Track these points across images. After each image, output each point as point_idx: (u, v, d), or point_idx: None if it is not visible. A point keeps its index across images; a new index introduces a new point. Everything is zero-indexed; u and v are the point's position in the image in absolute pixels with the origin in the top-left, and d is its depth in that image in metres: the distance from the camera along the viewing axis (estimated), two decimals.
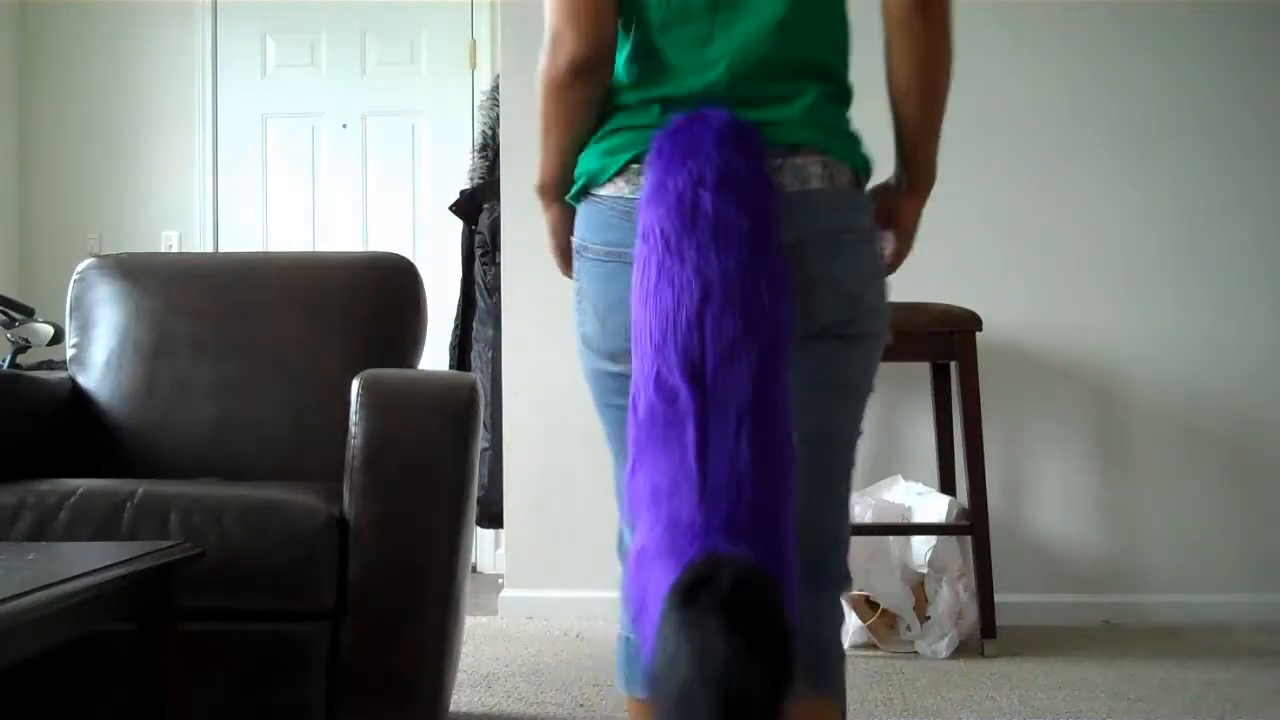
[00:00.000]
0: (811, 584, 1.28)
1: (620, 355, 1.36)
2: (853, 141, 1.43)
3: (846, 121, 1.44)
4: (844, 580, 1.46)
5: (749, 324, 1.22)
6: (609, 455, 1.55)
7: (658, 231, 1.26)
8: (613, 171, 1.37)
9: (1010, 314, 3.48)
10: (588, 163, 1.41)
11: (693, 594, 1.04)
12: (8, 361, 3.84)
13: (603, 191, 1.39)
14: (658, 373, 1.22)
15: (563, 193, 1.46)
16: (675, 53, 1.37)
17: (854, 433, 1.51)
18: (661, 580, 1.10)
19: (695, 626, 1.01)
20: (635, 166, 1.36)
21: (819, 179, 1.36)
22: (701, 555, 1.09)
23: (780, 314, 1.26)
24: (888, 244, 1.52)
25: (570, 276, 1.48)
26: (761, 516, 1.17)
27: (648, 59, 1.38)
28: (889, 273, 1.52)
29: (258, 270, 2.76)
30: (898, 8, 1.39)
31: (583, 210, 1.42)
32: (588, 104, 1.40)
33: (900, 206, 1.54)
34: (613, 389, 1.42)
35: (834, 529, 1.46)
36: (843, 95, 1.45)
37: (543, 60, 1.39)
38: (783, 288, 1.27)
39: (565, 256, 1.51)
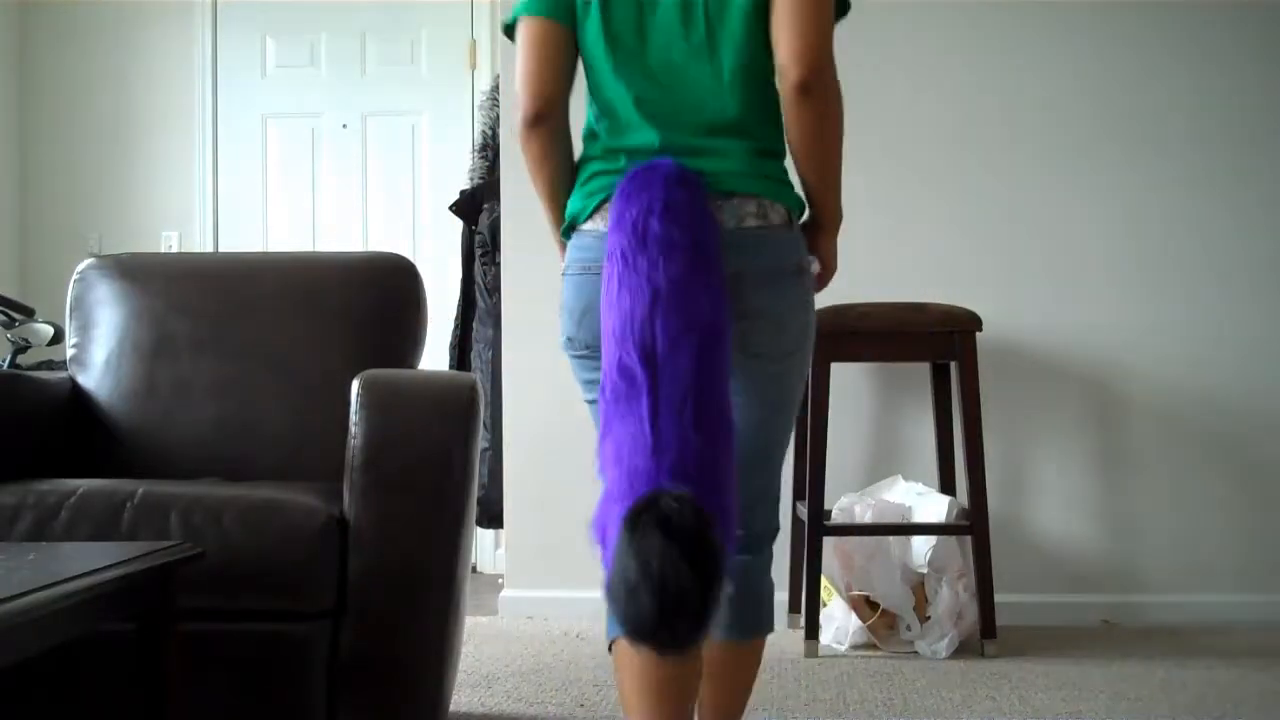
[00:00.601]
0: (748, 542, 1.71)
1: (594, 346, 1.69)
2: (784, 185, 1.75)
3: (778, 169, 1.76)
4: (774, 533, 1.82)
5: (689, 320, 1.55)
6: None
7: (618, 252, 1.59)
8: (591, 210, 1.73)
9: (1010, 314, 3.48)
10: (573, 205, 1.76)
11: (637, 518, 1.35)
12: (8, 361, 3.84)
13: (585, 226, 1.74)
14: (619, 358, 1.54)
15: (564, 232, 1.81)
16: (634, 115, 1.72)
17: (788, 429, 1.82)
18: (618, 516, 1.39)
19: (640, 542, 1.32)
20: (608, 205, 1.68)
21: (754, 217, 1.70)
22: (641, 498, 1.39)
23: (716, 313, 1.58)
24: (815, 266, 1.81)
25: None
26: (702, 465, 1.47)
27: (613, 118, 1.74)
28: (819, 289, 1.84)
29: (258, 270, 2.76)
30: (785, 92, 1.68)
31: (571, 242, 1.77)
32: (547, 147, 1.77)
33: (815, 241, 1.81)
34: (593, 369, 1.72)
35: (764, 503, 1.80)
36: (773, 150, 1.76)
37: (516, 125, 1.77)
38: (719, 291, 1.60)
39: None
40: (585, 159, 1.78)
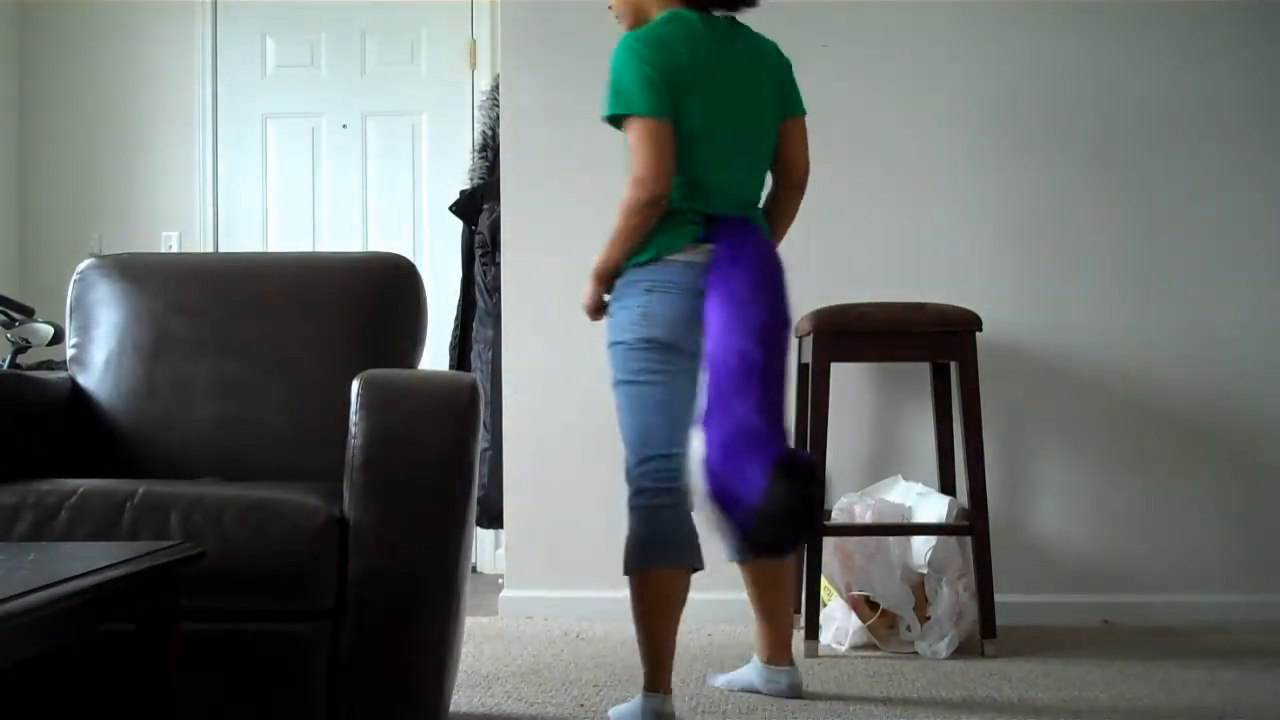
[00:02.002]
0: None
1: (671, 346, 2.38)
2: (766, 226, 2.60)
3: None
4: None
5: (784, 329, 2.36)
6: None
7: (746, 281, 2.33)
8: (680, 245, 2.39)
9: (1010, 314, 3.48)
10: (660, 240, 2.39)
11: (790, 474, 2.16)
12: (8, 361, 3.84)
13: (674, 257, 2.39)
14: (744, 353, 2.26)
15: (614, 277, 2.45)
16: (709, 186, 2.43)
17: None
18: (755, 462, 2.17)
19: (795, 489, 2.15)
20: (696, 243, 2.40)
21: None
22: (783, 453, 2.20)
23: (790, 319, 2.40)
24: None
25: (595, 319, 2.52)
26: (783, 426, 2.30)
27: (693, 189, 2.41)
28: None
29: (258, 270, 2.76)
30: (788, 185, 2.61)
31: (656, 268, 2.39)
32: (655, 217, 2.37)
33: None
34: (660, 363, 2.39)
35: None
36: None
37: (630, 193, 2.34)
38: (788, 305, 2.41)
39: (599, 310, 2.51)
40: (665, 213, 2.40)
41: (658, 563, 2.37)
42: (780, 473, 2.15)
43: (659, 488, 2.38)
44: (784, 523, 2.17)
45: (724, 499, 2.21)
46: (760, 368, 2.25)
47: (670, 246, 2.39)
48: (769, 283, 2.36)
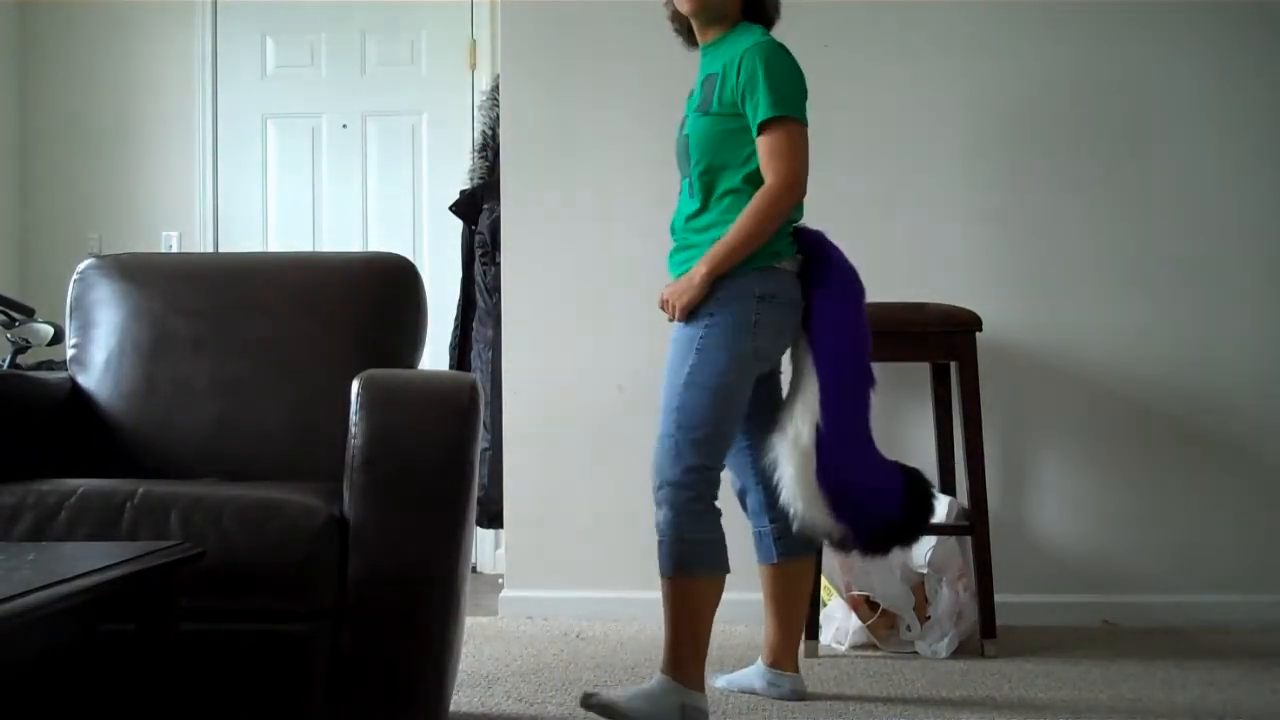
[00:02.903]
0: None
1: (769, 356, 2.52)
2: None
3: None
4: None
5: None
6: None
7: (860, 300, 2.53)
8: (786, 256, 2.49)
9: (1010, 314, 3.48)
10: (774, 248, 2.45)
11: (916, 482, 2.53)
12: (8, 361, 3.84)
13: (779, 265, 2.47)
14: (865, 363, 2.48)
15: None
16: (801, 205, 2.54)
17: None
18: (877, 465, 2.49)
19: (929, 499, 2.54)
20: (795, 254, 2.51)
21: None
22: (913, 470, 2.55)
23: None
24: None
25: (682, 319, 2.45)
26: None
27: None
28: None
29: (258, 270, 2.76)
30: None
31: (767, 275, 2.45)
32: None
33: None
34: (750, 373, 2.45)
35: None
36: None
37: (780, 196, 2.39)
38: None
39: (694, 311, 2.45)
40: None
41: (714, 566, 2.41)
42: (916, 488, 2.49)
43: (713, 495, 2.42)
44: (913, 531, 2.54)
45: (844, 496, 2.40)
46: (871, 378, 2.48)
47: (781, 254, 2.47)
48: (861, 290, 2.55)
